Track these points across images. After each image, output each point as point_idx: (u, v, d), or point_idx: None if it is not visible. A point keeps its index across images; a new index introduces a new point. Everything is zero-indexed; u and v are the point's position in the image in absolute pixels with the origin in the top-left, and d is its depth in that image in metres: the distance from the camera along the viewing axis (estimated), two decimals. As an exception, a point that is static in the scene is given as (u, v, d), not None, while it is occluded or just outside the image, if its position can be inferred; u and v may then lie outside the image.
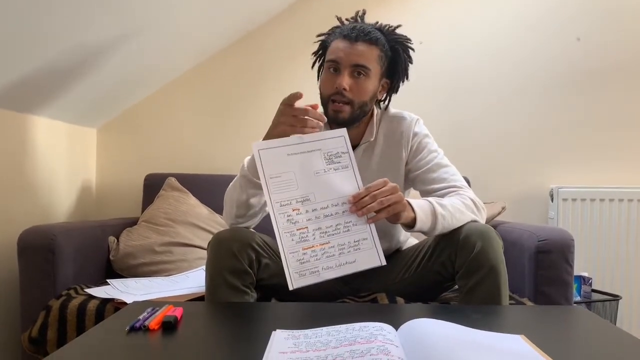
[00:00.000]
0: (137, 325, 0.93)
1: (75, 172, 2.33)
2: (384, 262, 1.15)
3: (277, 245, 1.36)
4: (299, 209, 1.11)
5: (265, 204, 1.32)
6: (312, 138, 1.17)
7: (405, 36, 1.44)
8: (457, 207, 1.28)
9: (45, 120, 2.07)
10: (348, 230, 1.14)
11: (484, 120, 2.44)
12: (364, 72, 1.34)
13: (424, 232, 1.28)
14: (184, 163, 2.47)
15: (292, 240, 1.09)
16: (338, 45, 1.36)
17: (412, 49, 1.45)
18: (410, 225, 1.23)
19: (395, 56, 1.42)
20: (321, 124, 1.21)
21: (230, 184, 1.38)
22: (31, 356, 1.53)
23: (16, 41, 1.53)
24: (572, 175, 2.40)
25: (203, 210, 2.16)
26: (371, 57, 1.35)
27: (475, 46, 2.45)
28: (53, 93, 1.95)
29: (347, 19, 1.45)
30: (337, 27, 1.44)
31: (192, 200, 2.18)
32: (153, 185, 2.26)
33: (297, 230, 1.10)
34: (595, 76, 2.40)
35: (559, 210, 2.30)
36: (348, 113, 1.35)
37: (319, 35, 1.48)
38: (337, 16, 1.46)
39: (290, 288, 1.09)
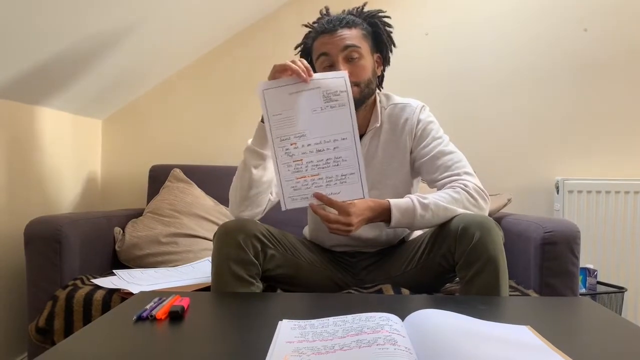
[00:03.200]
0: (144, 315, 0.93)
1: (81, 163, 2.34)
2: (367, 197, 1.27)
3: (283, 236, 1.37)
4: (295, 143, 1.23)
5: (268, 184, 1.38)
6: (316, 77, 1.25)
7: (376, 9, 1.48)
8: (441, 204, 1.28)
9: (51, 111, 2.08)
10: (337, 165, 1.25)
11: (489, 112, 2.43)
12: (356, 52, 1.37)
13: (404, 228, 1.38)
14: (189, 154, 2.47)
15: (289, 170, 1.24)
16: (321, 41, 1.39)
17: (388, 17, 1.48)
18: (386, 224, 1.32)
19: (375, 30, 1.45)
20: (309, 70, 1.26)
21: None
22: (38, 346, 1.54)
23: (23, 34, 1.53)
24: (577, 167, 2.39)
25: (208, 201, 2.16)
26: (355, 37, 1.38)
27: (480, 38, 2.43)
28: (59, 84, 1.95)
29: (314, 22, 1.47)
30: (309, 32, 1.47)
31: (197, 192, 2.18)
32: (158, 177, 2.27)
33: (293, 162, 1.24)
34: (602, 68, 2.39)
35: (564, 203, 2.29)
36: (358, 92, 1.36)
37: (296, 47, 1.51)
38: (303, 24, 1.50)
39: (283, 208, 1.26)
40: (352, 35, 1.37)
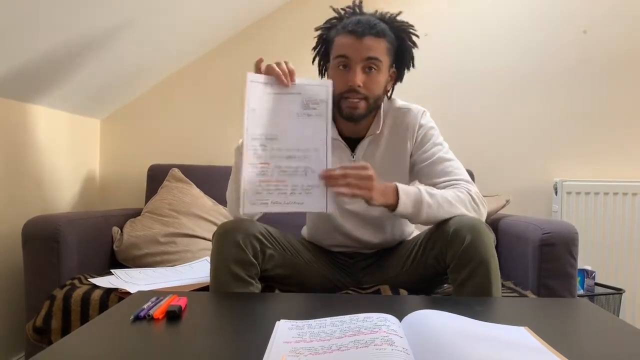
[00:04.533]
0: (142, 314, 0.93)
1: (79, 162, 2.33)
2: (330, 211, 1.21)
3: (281, 236, 1.37)
4: (265, 146, 1.18)
5: None
6: (300, 82, 1.22)
7: (408, 22, 1.42)
8: (447, 198, 1.26)
9: (50, 110, 2.07)
10: (305, 174, 1.20)
11: (488, 113, 2.43)
12: (375, 66, 1.32)
13: (408, 218, 1.29)
14: (187, 154, 2.47)
15: (253, 172, 1.16)
16: (345, 41, 1.33)
17: (417, 36, 1.42)
18: (392, 209, 1.26)
19: (401, 44, 1.40)
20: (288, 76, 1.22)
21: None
22: (36, 345, 1.53)
23: (20, 30, 1.53)
24: (576, 169, 2.39)
25: (206, 201, 2.16)
26: (380, 50, 1.33)
27: (479, 39, 2.44)
28: (57, 83, 1.95)
29: (343, 9, 1.42)
30: (334, 19, 1.42)
31: (196, 192, 2.18)
32: (157, 176, 2.27)
33: (259, 164, 1.17)
34: (600, 69, 2.39)
35: (562, 204, 2.29)
36: (364, 109, 1.34)
37: (317, 29, 1.45)
38: (331, 7, 1.42)
39: (241, 212, 1.17)
40: (377, 47, 1.32)
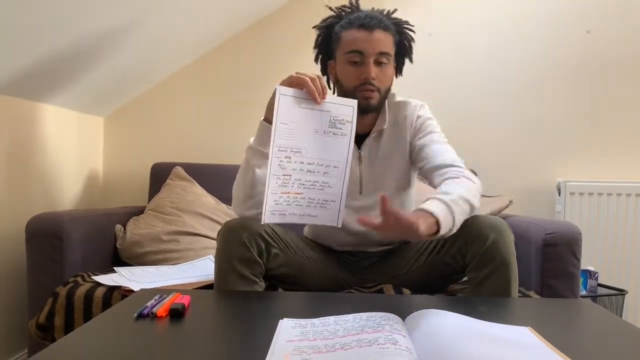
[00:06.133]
0: (145, 312, 0.93)
1: (83, 160, 2.34)
2: (340, 225, 1.27)
3: (286, 235, 1.37)
4: (290, 158, 1.20)
5: None
6: (328, 100, 1.24)
7: (405, 20, 1.47)
8: (463, 196, 1.20)
9: (54, 108, 2.08)
10: (322, 189, 1.24)
11: (492, 113, 2.43)
12: (386, 59, 1.36)
13: (449, 232, 1.16)
14: (190, 152, 2.47)
15: (276, 183, 1.18)
16: (357, 36, 1.35)
17: (413, 31, 1.47)
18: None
19: (401, 40, 1.45)
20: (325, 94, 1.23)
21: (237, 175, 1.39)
22: (38, 342, 1.54)
23: (26, 30, 1.53)
24: (579, 169, 2.39)
25: (209, 199, 2.16)
26: (389, 44, 1.37)
27: (483, 39, 2.43)
28: (62, 82, 1.95)
29: (339, 8, 1.44)
30: (331, 17, 1.44)
31: (199, 190, 2.18)
32: (160, 174, 2.27)
33: (282, 175, 1.19)
34: (604, 69, 2.38)
35: (565, 204, 2.29)
36: (377, 99, 1.38)
37: (315, 27, 1.47)
38: (327, 5, 1.45)
39: (262, 222, 1.19)
40: (386, 41, 1.36)
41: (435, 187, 1.32)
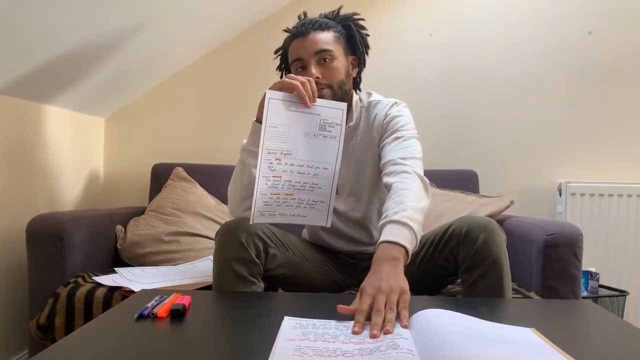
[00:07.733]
0: (146, 312, 0.93)
1: (84, 160, 2.34)
2: (329, 225, 1.32)
3: (284, 236, 1.37)
4: (280, 160, 1.23)
5: None
6: (318, 103, 1.27)
7: (352, 12, 1.49)
8: (416, 206, 1.18)
9: (56, 109, 2.08)
10: (312, 190, 1.28)
11: (492, 114, 2.43)
12: (328, 56, 1.38)
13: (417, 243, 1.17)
14: (191, 153, 2.47)
15: (266, 184, 1.22)
16: (295, 45, 1.40)
17: (362, 19, 1.50)
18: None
19: (349, 32, 1.46)
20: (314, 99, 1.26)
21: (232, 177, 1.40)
22: (39, 343, 1.54)
23: (28, 32, 1.53)
24: (580, 170, 2.38)
25: (210, 200, 2.16)
26: (328, 41, 1.39)
27: (483, 40, 2.43)
28: (64, 83, 1.95)
29: (293, 27, 1.46)
30: (288, 37, 1.48)
31: (200, 191, 2.18)
32: (160, 175, 2.27)
33: (272, 177, 1.22)
34: (605, 70, 2.38)
35: (567, 205, 2.29)
36: (330, 94, 1.37)
37: (276, 52, 1.53)
38: (283, 29, 1.50)
39: (250, 222, 1.23)
40: (324, 39, 1.39)
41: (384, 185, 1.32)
